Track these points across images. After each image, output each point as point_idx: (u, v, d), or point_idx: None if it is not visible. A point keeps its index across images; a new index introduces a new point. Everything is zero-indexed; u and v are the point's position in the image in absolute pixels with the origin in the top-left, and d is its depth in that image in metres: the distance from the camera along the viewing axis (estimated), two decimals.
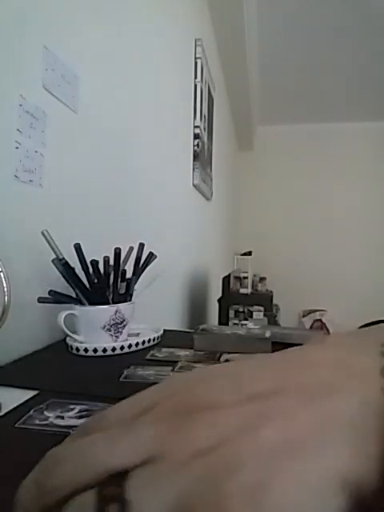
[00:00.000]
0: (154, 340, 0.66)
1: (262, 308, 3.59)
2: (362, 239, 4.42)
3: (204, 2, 2.06)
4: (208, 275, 2.36)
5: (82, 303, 0.61)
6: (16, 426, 0.35)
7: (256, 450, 0.13)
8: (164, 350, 0.63)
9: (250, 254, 4.28)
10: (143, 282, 0.72)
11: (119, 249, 0.64)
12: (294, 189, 4.58)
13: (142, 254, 0.71)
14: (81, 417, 0.37)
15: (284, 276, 4.47)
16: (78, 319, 0.60)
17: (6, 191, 0.58)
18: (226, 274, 2.38)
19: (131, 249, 0.72)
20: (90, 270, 0.61)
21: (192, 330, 0.68)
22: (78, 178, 0.78)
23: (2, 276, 0.41)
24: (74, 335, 0.60)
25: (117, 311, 0.61)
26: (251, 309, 3.49)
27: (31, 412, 0.38)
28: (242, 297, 3.49)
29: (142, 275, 0.71)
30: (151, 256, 0.71)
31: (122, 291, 0.65)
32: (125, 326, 0.63)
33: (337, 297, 4.29)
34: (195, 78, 1.85)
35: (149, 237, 0.95)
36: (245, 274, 3.99)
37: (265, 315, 3.53)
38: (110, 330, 0.61)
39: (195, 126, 1.85)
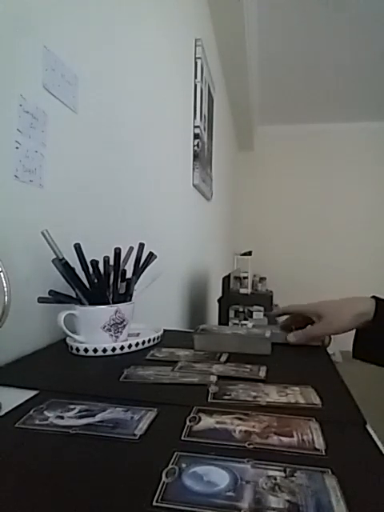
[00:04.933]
0: (154, 340, 0.66)
1: (261, 308, 3.58)
2: (362, 239, 4.42)
3: (204, 2, 2.06)
4: (208, 275, 2.36)
5: (82, 303, 0.61)
6: (16, 426, 0.35)
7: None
8: (164, 349, 0.63)
9: (249, 254, 4.28)
10: (143, 282, 0.72)
11: (119, 249, 0.64)
12: (294, 189, 4.58)
13: (141, 254, 0.71)
14: (81, 417, 0.37)
15: (284, 276, 4.47)
16: (77, 319, 0.60)
17: (5, 191, 0.58)
18: (226, 274, 2.37)
19: (131, 249, 0.72)
20: (90, 270, 0.61)
21: (192, 330, 0.68)
22: (78, 177, 0.78)
23: (2, 276, 0.41)
24: (73, 335, 0.60)
25: (117, 311, 0.61)
26: (251, 309, 3.49)
27: (31, 412, 0.38)
28: (242, 297, 3.49)
29: (142, 275, 0.71)
30: (151, 256, 0.71)
31: (122, 291, 0.65)
32: (125, 325, 0.63)
33: (337, 297, 4.29)
34: (195, 78, 1.85)
35: (149, 237, 0.95)
36: (245, 274, 3.99)
37: (265, 315, 3.52)
38: (110, 330, 0.61)
39: (195, 126, 1.85)
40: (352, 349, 0.64)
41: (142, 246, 0.71)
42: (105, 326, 0.60)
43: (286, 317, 0.73)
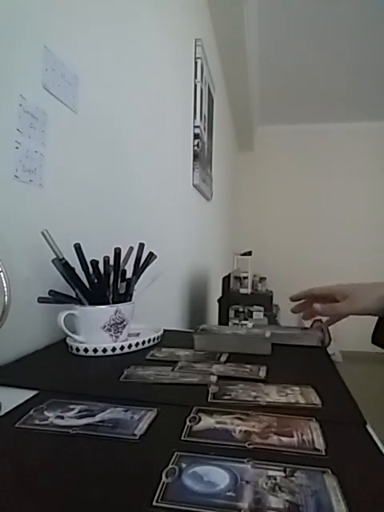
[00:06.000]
0: (154, 340, 0.67)
1: (261, 308, 3.59)
2: (362, 239, 4.42)
3: (204, 1, 2.06)
4: (208, 275, 2.36)
5: (82, 303, 0.61)
6: (16, 426, 0.35)
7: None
8: (164, 349, 0.63)
9: (249, 254, 4.28)
10: (143, 282, 0.72)
11: (119, 249, 0.64)
12: (294, 189, 4.58)
13: (142, 254, 0.71)
14: (81, 417, 0.37)
15: (284, 276, 4.46)
16: (77, 319, 0.60)
17: (5, 191, 0.58)
18: (226, 274, 2.37)
19: (131, 249, 0.72)
20: (90, 270, 0.61)
21: (192, 330, 0.68)
22: (78, 178, 0.78)
23: (2, 276, 0.41)
24: (73, 335, 0.60)
25: (117, 311, 0.61)
26: (251, 309, 3.49)
27: (31, 412, 0.38)
28: (242, 297, 3.49)
29: (142, 275, 0.71)
30: (151, 256, 0.71)
31: (122, 291, 0.65)
32: (125, 325, 0.63)
33: None
34: (195, 78, 1.85)
35: (149, 237, 0.96)
36: (245, 274, 3.99)
37: (265, 315, 3.52)
38: (110, 330, 0.61)
39: (195, 126, 1.85)
40: (372, 334, 0.63)
41: (141, 246, 0.71)
42: (105, 326, 0.60)
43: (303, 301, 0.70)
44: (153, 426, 0.35)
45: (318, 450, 0.32)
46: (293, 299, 0.71)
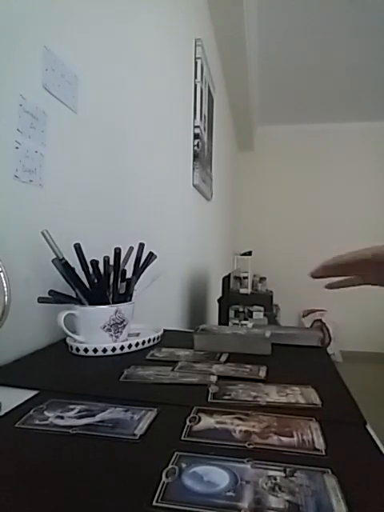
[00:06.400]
0: (154, 340, 0.67)
1: (261, 308, 3.58)
2: (362, 239, 4.41)
3: (204, 1, 2.06)
4: (208, 275, 2.36)
5: (82, 303, 0.61)
6: (16, 426, 0.35)
7: None
8: (164, 349, 0.63)
9: (249, 254, 4.28)
10: (143, 282, 0.72)
11: (119, 249, 0.64)
12: (293, 189, 4.57)
13: (141, 254, 0.71)
14: (81, 417, 0.37)
15: (284, 276, 4.46)
16: (77, 319, 0.60)
17: (6, 191, 0.58)
18: (226, 274, 2.37)
19: (131, 249, 0.72)
20: (90, 270, 0.61)
21: (192, 330, 0.68)
22: (78, 177, 0.78)
23: (2, 276, 0.41)
24: (73, 335, 0.60)
25: (117, 311, 0.61)
26: (251, 309, 3.49)
27: (31, 412, 0.38)
28: (242, 297, 3.48)
29: (142, 275, 0.71)
30: (151, 256, 0.71)
31: (122, 291, 0.65)
32: (125, 326, 0.63)
33: (337, 297, 4.28)
34: (195, 78, 1.85)
35: (149, 237, 0.95)
36: (245, 274, 3.99)
37: (265, 315, 3.52)
38: (110, 330, 0.61)
39: (195, 126, 1.85)
40: None
41: (141, 245, 0.71)
42: (105, 326, 0.60)
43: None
44: (153, 426, 0.35)
45: (318, 450, 0.32)
46: (320, 271, 0.59)
